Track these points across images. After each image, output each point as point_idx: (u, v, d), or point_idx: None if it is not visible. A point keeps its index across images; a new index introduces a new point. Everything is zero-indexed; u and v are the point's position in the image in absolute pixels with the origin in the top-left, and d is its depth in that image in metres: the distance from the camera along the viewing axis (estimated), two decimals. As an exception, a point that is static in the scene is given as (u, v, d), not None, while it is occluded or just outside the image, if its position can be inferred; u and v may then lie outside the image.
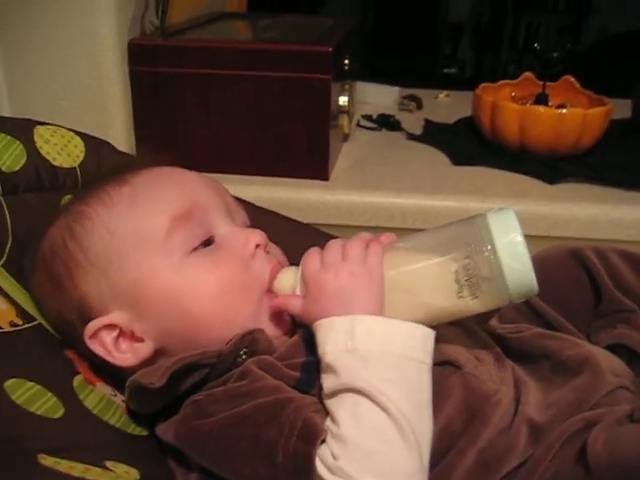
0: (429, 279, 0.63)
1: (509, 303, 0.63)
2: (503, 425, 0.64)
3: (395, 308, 0.63)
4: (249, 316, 0.68)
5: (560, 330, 0.78)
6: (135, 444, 0.66)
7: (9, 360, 0.63)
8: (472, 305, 0.63)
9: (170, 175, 0.75)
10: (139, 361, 0.68)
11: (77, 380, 0.68)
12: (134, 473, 0.59)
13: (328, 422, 0.57)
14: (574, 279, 0.81)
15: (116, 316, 0.68)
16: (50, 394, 0.63)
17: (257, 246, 0.71)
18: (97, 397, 0.68)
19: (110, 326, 0.68)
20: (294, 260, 0.72)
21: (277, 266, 0.71)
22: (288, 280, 0.69)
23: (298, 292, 0.67)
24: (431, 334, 0.61)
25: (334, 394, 0.58)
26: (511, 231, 0.61)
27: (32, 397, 0.61)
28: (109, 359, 0.68)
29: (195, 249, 0.69)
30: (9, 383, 0.60)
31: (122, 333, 0.68)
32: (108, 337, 0.68)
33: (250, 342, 0.66)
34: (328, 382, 0.59)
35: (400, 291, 0.64)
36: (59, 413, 0.61)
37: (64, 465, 0.53)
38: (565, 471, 0.61)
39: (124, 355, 0.68)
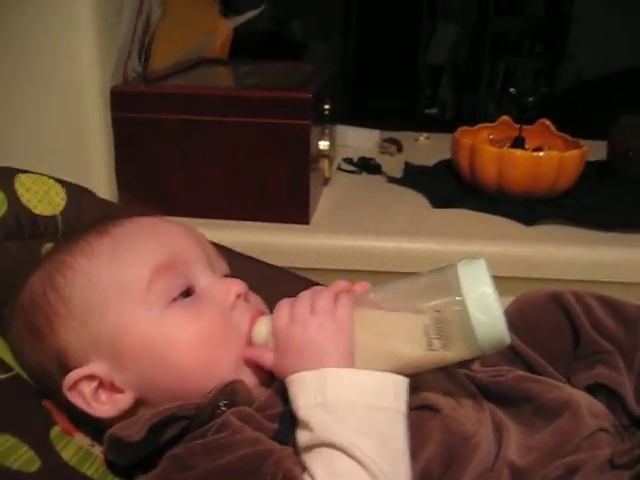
0: (399, 332, 0.64)
1: (480, 354, 0.64)
2: (483, 468, 0.65)
3: (366, 360, 0.64)
4: (229, 366, 0.69)
5: (541, 373, 0.79)
6: (113, 497, 0.65)
7: (-15, 412, 0.63)
8: (443, 357, 0.63)
9: (151, 226, 0.75)
10: (119, 412, 0.68)
11: (54, 431, 0.67)
12: (111, 528, 0.59)
13: (305, 476, 0.57)
14: (554, 323, 0.82)
15: (96, 367, 0.68)
16: (26, 447, 0.62)
17: (238, 296, 0.72)
18: (74, 448, 0.67)
19: (89, 377, 0.68)
20: (273, 307, 0.72)
21: (256, 314, 0.72)
22: (262, 331, 0.69)
23: (270, 345, 0.68)
24: (403, 381, 0.62)
25: (309, 449, 0.58)
26: (481, 283, 0.61)
27: (7, 450, 0.60)
28: (88, 410, 0.68)
29: (175, 300, 0.69)
30: (-15, 435, 0.59)
31: (102, 384, 0.68)
32: (87, 388, 0.68)
33: (229, 393, 0.66)
34: (303, 437, 0.59)
35: (370, 343, 0.65)
36: (35, 467, 0.61)
37: (38, 522, 0.52)
38: None
39: (103, 407, 0.68)
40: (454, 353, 0.63)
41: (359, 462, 0.55)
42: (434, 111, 3.82)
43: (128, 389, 0.68)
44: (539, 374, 0.78)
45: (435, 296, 0.63)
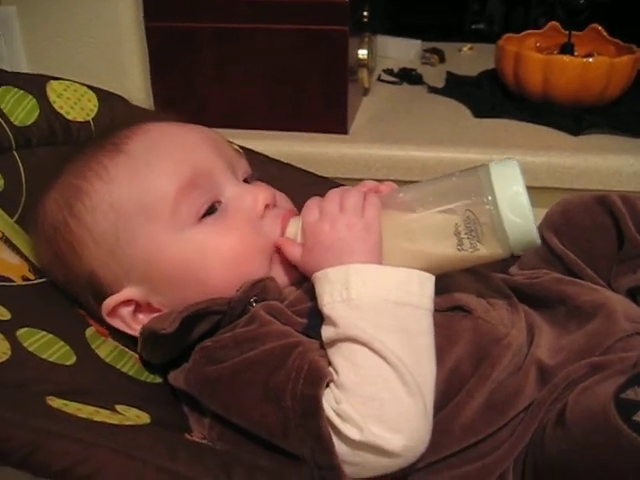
0: (429, 230, 0.63)
1: (510, 255, 0.63)
2: (513, 367, 0.64)
3: (394, 259, 0.62)
4: (262, 270, 0.68)
5: (580, 276, 0.77)
6: (147, 390, 0.67)
7: (21, 311, 0.64)
8: (472, 256, 0.62)
9: (166, 137, 0.71)
10: None
11: (89, 331, 0.68)
12: (145, 417, 0.60)
13: (330, 369, 0.57)
14: (598, 224, 0.79)
15: (131, 291, 0.68)
16: (62, 343, 0.63)
17: (266, 206, 0.69)
18: (110, 347, 0.69)
19: (126, 301, 0.68)
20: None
21: (287, 216, 0.70)
22: (292, 229, 0.69)
23: (299, 241, 0.67)
24: (429, 278, 0.61)
25: (333, 344, 0.59)
26: (513, 183, 0.59)
27: (44, 345, 0.61)
28: (129, 332, 0.68)
29: (202, 217, 0.67)
30: (21, 332, 0.61)
31: (139, 306, 0.68)
32: (125, 311, 0.68)
33: (260, 289, 0.66)
34: (327, 332, 0.59)
35: (399, 243, 0.64)
36: (71, 360, 0.62)
37: (72, 407, 0.54)
38: (551, 420, 0.61)
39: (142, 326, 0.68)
40: (484, 253, 0.62)
41: (380, 355, 0.55)
42: (481, 26, 3.65)
43: (165, 308, 0.68)
44: (578, 277, 0.77)
45: (466, 195, 0.61)
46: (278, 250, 0.68)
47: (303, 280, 0.68)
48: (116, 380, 0.65)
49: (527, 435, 0.63)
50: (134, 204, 0.66)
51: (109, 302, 0.67)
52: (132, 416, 0.59)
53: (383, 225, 0.64)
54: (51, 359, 0.60)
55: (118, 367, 0.67)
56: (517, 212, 0.59)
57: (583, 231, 0.80)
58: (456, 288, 0.68)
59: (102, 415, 0.55)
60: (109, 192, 0.66)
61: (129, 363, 0.69)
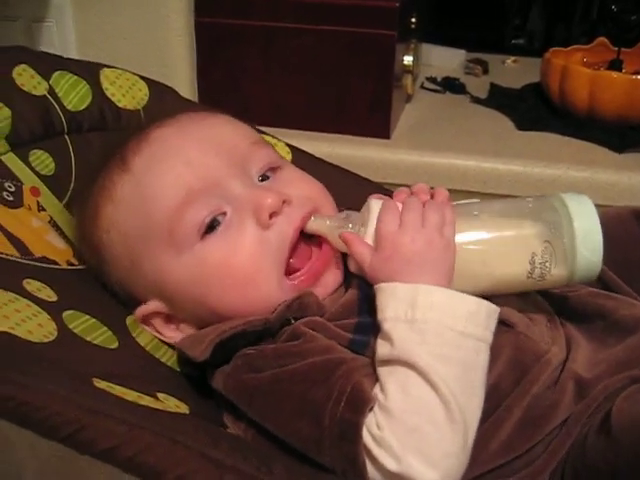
0: (503, 255, 0.62)
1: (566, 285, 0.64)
2: (550, 382, 0.63)
3: (461, 277, 0.62)
4: (272, 294, 0.65)
5: (616, 291, 0.75)
6: (185, 382, 0.66)
7: (66, 293, 0.64)
8: (535, 285, 0.63)
9: (168, 152, 0.68)
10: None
11: (130, 319, 0.69)
12: (184, 408, 0.60)
13: (377, 389, 0.56)
14: (633, 236, 0.79)
15: (155, 305, 0.68)
16: (105, 328, 0.64)
17: (273, 214, 0.65)
18: (149, 336, 0.69)
19: (154, 312, 0.69)
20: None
21: (299, 225, 0.66)
22: (321, 226, 0.66)
23: (370, 242, 0.64)
24: (495, 311, 0.59)
25: (387, 363, 0.56)
26: (591, 221, 0.61)
27: (88, 328, 0.62)
28: (161, 338, 0.69)
29: (205, 233, 0.65)
30: (67, 314, 0.61)
31: (168, 316, 0.69)
32: (156, 320, 0.69)
33: (297, 308, 0.64)
34: (382, 350, 0.57)
35: (469, 262, 0.63)
36: (114, 345, 0.62)
37: (117, 390, 0.54)
38: (593, 429, 0.59)
39: (173, 333, 0.69)
40: (548, 282, 0.62)
41: (434, 387, 0.53)
42: (522, 42, 3.62)
43: (190, 319, 0.69)
44: (614, 291, 0.75)
45: (544, 225, 0.62)
46: (344, 240, 0.65)
47: (341, 288, 0.67)
48: (156, 368, 0.65)
49: (562, 449, 0.61)
50: (137, 229, 0.67)
51: (138, 313, 0.69)
52: (172, 405, 0.59)
53: (457, 240, 0.63)
54: (95, 342, 0.61)
55: (157, 356, 0.67)
56: (591, 249, 0.60)
57: (618, 243, 0.77)
58: (498, 302, 0.66)
59: (145, 400, 0.55)
60: (116, 215, 0.68)
61: (168, 353, 0.69)
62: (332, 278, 0.68)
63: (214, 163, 0.67)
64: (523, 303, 0.69)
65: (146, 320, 0.69)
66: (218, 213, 0.65)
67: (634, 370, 0.63)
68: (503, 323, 0.65)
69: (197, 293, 0.66)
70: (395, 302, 0.58)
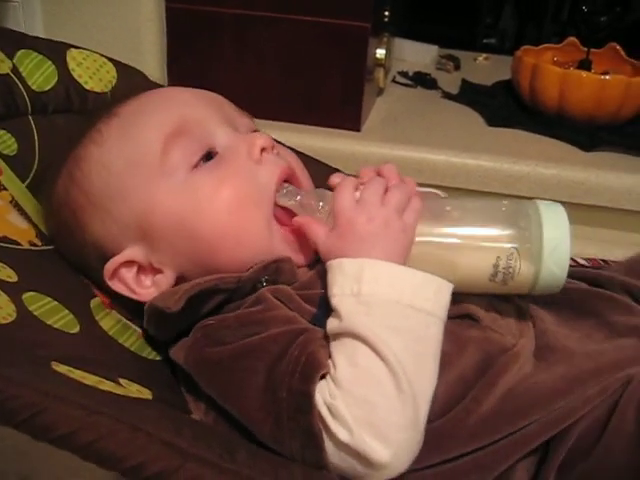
0: (468, 254, 0.62)
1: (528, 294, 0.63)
2: (525, 373, 0.63)
3: (424, 268, 0.60)
4: (260, 230, 0.65)
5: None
6: (149, 367, 0.65)
7: (27, 275, 0.62)
8: (495, 289, 0.62)
9: (157, 96, 0.71)
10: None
11: (94, 302, 0.67)
12: (146, 393, 0.59)
13: (329, 362, 0.55)
14: None
15: (130, 252, 0.66)
16: (67, 311, 0.62)
17: (263, 150, 0.66)
18: (113, 320, 0.67)
19: (128, 263, 0.66)
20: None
21: (286, 171, 0.68)
22: (321, 204, 0.65)
23: (326, 221, 0.64)
24: (447, 287, 0.58)
25: (336, 337, 0.56)
26: (562, 234, 0.60)
27: (49, 311, 0.60)
28: (132, 296, 0.66)
29: (196, 165, 0.65)
30: (27, 296, 0.59)
31: (141, 268, 0.67)
32: (128, 274, 0.66)
33: (274, 271, 0.64)
34: (332, 324, 0.57)
35: (432, 252, 0.62)
36: (75, 329, 0.61)
37: (77, 374, 0.52)
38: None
39: (147, 290, 0.67)
40: (509, 289, 0.62)
41: (381, 356, 0.53)
42: (493, 41, 3.65)
43: (166, 268, 0.66)
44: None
45: (514, 231, 0.61)
46: (298, 229, 0.66)
47: (317, 262, 0.66)
48: (118, 353, 0.64)
49: (537, 439, 0.60)
50: (124, 160, 0.65)
51: (110, 264, 0.66)
52: (134, 390, 0.57)
53: (420, 230, 0.62)
54: (56, 325, 0.59)
55: (121, 341, 0.65)
56: (558, 263, 0.60)
57: None
58: (464, 296, 0.65)
59: (107, 385, 0.54)
60: (101, 153, 0.66)
61: (132, 338, 0.67)
62: (309, 249, 0.67)
63: (206, 106, 0.69)
64: (492, 297, 0.69)
65: (117, 274, 0.66)
66: (211, 148, 0.66)
67: (628, 369, 0.62)
68: (470, 317, 0.65)
69: (186, 225, 0.64)
70: (342, 277, 0.58)
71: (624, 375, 0.61)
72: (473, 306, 0.66)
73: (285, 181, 0.68)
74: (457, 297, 0.64)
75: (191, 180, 0.65)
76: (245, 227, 0.65)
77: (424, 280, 0.58)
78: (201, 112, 0.68)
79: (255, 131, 0.72)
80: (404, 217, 0.61)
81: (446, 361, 0.59)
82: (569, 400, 0.61)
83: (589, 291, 0.71)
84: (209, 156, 0.66)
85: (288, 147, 0.91)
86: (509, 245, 0.60)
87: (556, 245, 0.59)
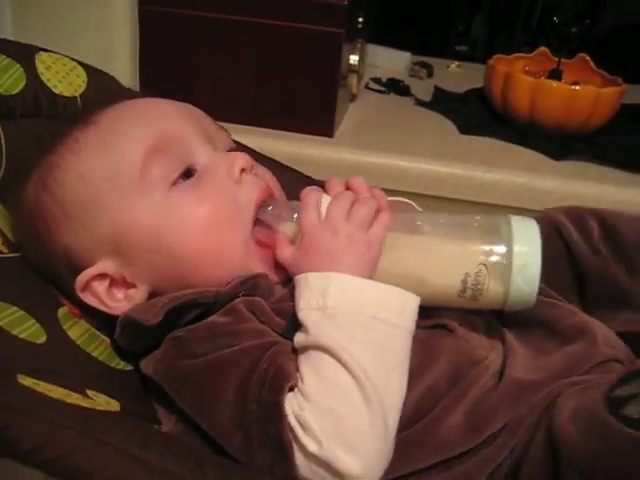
0: (437, 269, 0.62)
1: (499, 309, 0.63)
2: (488, 387, 0.63)
3: (389, 281, 0.60)
4: (237, 250, 0.65)
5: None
6: (117, 377, 0.65)
7: (-7, 283, 0.61)
8: (465, 304, 0.62)
9: (138, 108, 0.70)
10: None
11: (62, 311, 0.66)
12: (114, 404, 0.58)
13: (297, 375, 0.56)
14: (559, 258, 0.78)
15: (104, 265, 0.65)
16: (33, 320, 0.61)
17: (242, 170, 0.66)
18: (81, 329, 0.66)
19: (100, 276, 0.65)
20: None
21: (264, 191, 0.67)
22: (288, 225, 0.65)
23: (292, 238, 0.64)
24: (413, 299, 0.59)
25: (303, 350, 0.57)
26: (532, 252, 0.59)
27: (15, 321, 0.59)
28: (104, 309, 0.65)
29: (175, 183, 0.64)
30: (-7, 305, 0.58)
31: (113, 281, 0.66)
32: (100, 287, 0.65)
33: (251, 286, 0.64)
34: (298, 338, 0.58)
35: (401, 266, 0.62)
36: (41, 339, 0.60)
37: (42, 387, 0.51)
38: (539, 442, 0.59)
39: (118, 304, 0.66)
40: (479, 304, 0.62)
41: (347, 368, 0.53)
42: (464, 48, 3.68)
43: (140, 283, 0.65)
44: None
45: (483, 247, 0.61)
46: (267, 252, 0.66)
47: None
48: (86, 364, 0.63)
49: (501, 453, 0.62)
50: (102, 172, 0.64)
51: (82, 277, 0.64)
52: (102, 402, 0.57)
53: (390, 245, 0.62)
54: (21, 336, 0.58)
55: (88, 351, 0.65)
56: (527, 281, 0.59)
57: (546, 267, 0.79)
58: (438, 309, 0.66)
59: (73, 398, 0.53)
60: (78, 162, 0.65)
61: (100, 347, 0.66)
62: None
63: (186, 122, 0.68)
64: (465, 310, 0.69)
65: (88, 287, 0.65)
66: (190, 166, 0.65)
67: (575, 377, 0.63)
68: (443, 327, 0.65)
69: (163, 243, 0.63)
70: (307, 291, 0.58)
71: (569, 382, 0.62)
72: (447, 316, 0.66)
73: (263, 202, 0.67)
74: (432, 310, 0.64)
75: (170, 198, 0.64)
76: (223, 247, 0.64)
77: (388, 292, 0.58)
78: (182, 128, 0.67)
79: (232, 149, 0.72)
80: (370, 232, 0.62)
81: (417, 372, 0.60)
82: (521, 409, 0.62)
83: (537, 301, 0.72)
84: (188, 173, 0.65)
85: (261, 154, 0.92)
86: (478, 261, 0.60)
87: (525, 262, 0.59)
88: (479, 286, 0.60)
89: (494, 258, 0.60)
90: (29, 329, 0.59)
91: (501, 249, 0.60)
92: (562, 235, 0.78)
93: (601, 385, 0.58)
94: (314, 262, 0.61)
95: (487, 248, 0.61)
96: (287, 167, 0.94)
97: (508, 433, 0.61)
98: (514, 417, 0.62)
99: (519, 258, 0.59)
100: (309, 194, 0.65)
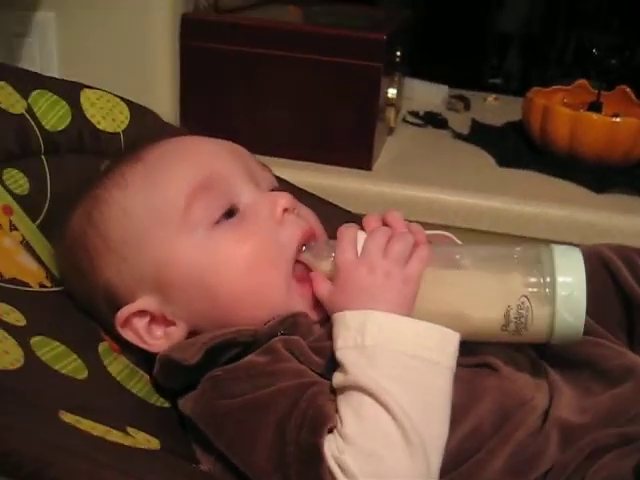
0: (478, 304, 0.60)
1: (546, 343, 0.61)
2: (534, 429, 0.61)
3: (434, 319, 0.59)
4: (279, 290, 0.65)
5: (596, 335, 0.74)
6: (157, 415, 0.64)
7: (36, 318, 0.62)
8: (509, 338, 0.60)
9: (185, 146, 0.71)
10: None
11: (102, 346, 0.66)
12: (155, 443, 0.58)
13: (336, 417, 0.55)
14: (606, 293, 0.76)
15: (144, 302, 0.65)
16: (75, 356, 0.61)
17: (285, 210, 0.66)
18: (121, 365, 0.66)
19: (141, 312, 0.65)
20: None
21: (308, 232, 0.67)
22: (322, 257, 0.65)
23: (326, 272, 0.64)
24: (452, 336, 0.57)
25: (342, 390, 0.56)
26: (576, 281, 0.57)
27: (57, 356, 0.59)
28: (142, 346, 0.65)
29: (217, 222, 0.65)
30: (35, 340, 0.59)
31: (153, 318, 0.66)
32: (140, 324, 0.65)
33: (290, 325, 0.63)
34: (337, 379, 0.57)
35: (441, 303, 0.61)
36: (83, 375, 0.60)
37: (85, 424, 0.51)
38: None
39: (157, 341, 0.65)
40: (524, 338, 0.60)
41: (387, 409, 0.52)
42: (498, 81, 3.70)
43: (180, 321, 0.65)
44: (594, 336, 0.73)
45: (525, 279, 0.59)
46: (310, 284, 0.65)
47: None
48: (127, 400, 0.63)
49: None
50: (146, 209, 0.65)
51: (123, 312, 0.65)
52: (142, 440, 0.56)
53: (429, 280, 0.61)
54: (63, 371, 0.58)
55: (129, 387, 0.65)
56: (573, 312, 0.58)
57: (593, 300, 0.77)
58: (482, 345, 0.65)
59: (114, 435, 0.53)
60: (123, 198, 0.66)
61: (140, 384, 0.66)
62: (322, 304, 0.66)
63: (232, 161, 0.68)
64: (507, 347, 0.67)
65: (128, 323, 0.65)
66: (233, 205, 0.66)
67: (621, 423, 0.62)
68: (488, 367, 0.64)
69: (204, 281, 0.63)
70: (345, 330, 0.57)
71: (616, 433, 0.61)
72: (491, 356, 0.65)
73: (305, 242, 0.67)
74: (475, 347, 0.63)
75: (212, 237, 0.64)
76: (264, 287, 0.64)
77: (428, 330, 0.57)
78: (226, 167, 0.68)
79: (275, 187, 0.72)
80: (407, 267, 0.61)
81: (461, 412, 0.58)
82: (567, 454, 0.60)
83: (583, 340, 0.69)
84: (231, 212, 0.66)
85: (302, 190, 0.92)
86: (519, 294, 0.59)
87: (570, 293, 0.57)
88: (522, 319, 0.58)
89: (536, 290, 0.58)
90: (71, 364, 0.60)
91: (543, 280, 0.58)
92: (610, 269, 0.76)
93: (635, 456, 0.56)
94: (351, 299, 0.60)
95: (528, 280, 0.59)
96: (327, 202, 0.94)
97: (553, 476, 0.60)
98: (559, 461, 0.60)
99: (563, 289, 0.57)
100: (345, 231, 0.65)
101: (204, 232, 0.64)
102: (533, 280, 0.59)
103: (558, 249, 0.60)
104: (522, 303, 0.58)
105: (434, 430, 0.54)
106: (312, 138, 1.23)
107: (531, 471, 0.59)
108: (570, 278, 0.58)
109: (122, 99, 0.88)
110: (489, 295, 0.60)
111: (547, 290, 0.58)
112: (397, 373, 0.55)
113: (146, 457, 0.53)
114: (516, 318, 0.59)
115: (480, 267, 0.62)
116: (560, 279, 0.57)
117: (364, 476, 0.51)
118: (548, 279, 0.58)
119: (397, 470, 0.51)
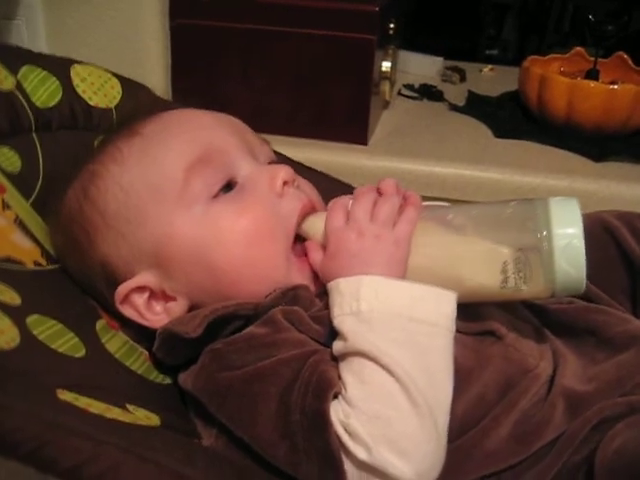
0: (473, 261, 0.59)
1: (550, 297, 0.60)
2: (537, 398, 0.61)
3: (423, 279, 0.58)
4: (279, 263, 0.64)
5: (597, 302, 0.73)
6: (156, 391, 0.64)
7: (32, 297, 0.61)
8: (511, 295, 0.59)
9: (182, 119, 0.70)
10: None
11: (100, 324, 0.65)
12: (155, 419, 0.57)
13: (339, 384, 0.54)
14: (610, 259, 0.75)
15: (144, 277, 0.64)
16: (72, 334, 0.60)
17: (285, 183, 0.66)
18: (119, 342, 0.66)
19: (140, 288, 0.64)
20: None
21: (307, 205, 0.66)
22: (318, 228, 0.64)
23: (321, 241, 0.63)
24: (448, 296, 0.57)
25: (343, 358, 0.56)
26: (572, 230, 0.56)
27: (54, 335, 0.58)
28: (142, 322, 0.65)
29: (216, 195, 0.64)
30: (31, 319, 0.58)
31: (153, 294, 0.65)
32: (140, 300, 0.64)
33: (292, 298, 0.62)
34: (337, 346, 0.56)
35: (435, 263, 0.60)
36: (80, 353, 0.59)
37: (82, 401, 0.51)
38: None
39: (157, 317, 0.65)
40: (525, 294, 0.58)
41: (389, 370, 0.52)
42: (495, 52, 3.67)
43: (180, 296, 0.65)
44: (594, 303, 0.73)
45: (520, 232, 0.58)
46: (300, 258, 0.65)
47: None
48: (126, 377, 0.62)
49: (553, 468, 0.59)
50: (144, 183, 0.64)
51: (122, 289, 0.64)
52: (142, 416, 0.56)
53: (421, 241, 0.60)
54: (60, 350, 0.57)
55: (127, 364, 0.64)
56: (571, 261, 0.56)
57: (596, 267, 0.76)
58: (486, 313, 0.64)
59: (113, 412, 0.52)
60: (120, 173, 0.65)
61: (139, 361, 0.66)
62: None
63: (230, 134, 0.67)
64: (512, 315, 0.67)
65: (128, 299, 0.64)
66: (232, 178, 0.65)
67: (627, 391, 0.61)
68: (492, 334, 0.63)
69: (203, 255, 0.63)
70: (340, 297, 0.57)
71: (624, 401, 0.60)
72: (495, 322, 0.64)
73: (305, 214, 0.66)
74: (479, 313, 0.62)
75: (211, 210, 0.63)
76: (263, 260, 0.63)
77: (423, 291, 0.57)
78: (224, 140, 0.67)
79: (274, 161, 0.71)
80: (396, 229, 0.60)
81: (466, 377, 0.58)
82: (574, 423, 0.60)
83: (586, 307, 0.69)
84: (229, 186, 0.65)
85: (301, 164, 0.91)
86: (515, 248, 0.57)
87: (567, 243, 0.55)
88: (521, 274, 0.57)
89: (532, 242, 0.57)
90: (68, 342, 0.59)
91: (538, 230, 0.56)
92: (613, 235, 0.75)
93: None
94: (344, 265, 0.60)
95: (524, 234, 0.58)
96: (327, 175, 0.94)
97: (561, 446, 0.59)
98: (567, 430, 0.60)
99: (560, 239, 0.55)
100: (336, 200, 0.64)
101: (203, 206, 0.63)
102: (529, 233, 0.57)
103: (553, 200, 0.58)
104: (518, 257, 0.57)
105: (438, 391, 0.54)
106: (307, 114, 1.21)
107: (537, 440, 0.59)
108: (567, 228, 0.56)
109: (114, 74, 0.87)
110: (485, 252, 0.59)
111: (544, 242, 0.56)
112: (395, 336, 0.55)
113: (146, 433, 0.52)
114: (514, 274, 0.57)
115: (473, 224, 0.61)
116: (556, 230, 0.56)
117: (372, 439, 0.50)
118: (545, 232, 0.56)
119: (405, 431, 0.51)
